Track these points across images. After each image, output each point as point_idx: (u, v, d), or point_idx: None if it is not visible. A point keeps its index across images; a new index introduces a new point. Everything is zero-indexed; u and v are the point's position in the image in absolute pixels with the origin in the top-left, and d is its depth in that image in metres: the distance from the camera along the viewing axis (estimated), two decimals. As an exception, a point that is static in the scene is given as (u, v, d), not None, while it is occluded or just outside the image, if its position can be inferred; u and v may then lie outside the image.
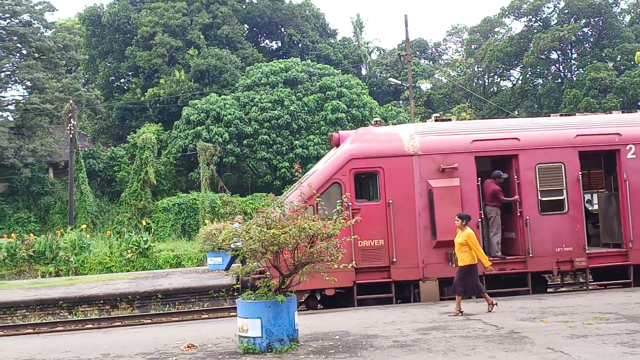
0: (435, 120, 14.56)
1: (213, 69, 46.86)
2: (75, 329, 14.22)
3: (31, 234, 29.51)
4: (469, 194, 12.51)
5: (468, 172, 12.78)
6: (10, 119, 41.83)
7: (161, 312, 16.79)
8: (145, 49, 48.12)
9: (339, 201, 9.47)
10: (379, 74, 59.82)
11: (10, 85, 41.66)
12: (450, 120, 14.89)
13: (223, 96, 42.37)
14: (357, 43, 61.30)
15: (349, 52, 56.99)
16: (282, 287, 8.64)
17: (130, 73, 51.40)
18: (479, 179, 12.92)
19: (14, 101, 42.75)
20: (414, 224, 12.51)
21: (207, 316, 14.96)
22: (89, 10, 51.46)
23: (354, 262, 11.81)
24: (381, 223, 12.54)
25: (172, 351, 8.54)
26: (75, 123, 36.41)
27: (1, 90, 41.25)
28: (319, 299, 13.44)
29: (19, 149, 37.82)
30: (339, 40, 59.70)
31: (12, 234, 29.46)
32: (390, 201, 12.52)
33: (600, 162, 14.83)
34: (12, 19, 40.72)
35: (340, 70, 45.46)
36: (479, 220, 12.67)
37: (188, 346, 8.77)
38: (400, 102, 55.04)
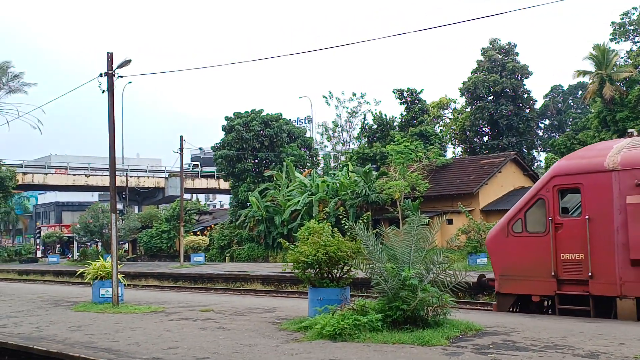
0: None
1: None
2: None
3: None
4: None
5: None
6: None
7: None
8: None
9: None
10: None
11: None
12: None
13: None
14: None
15: None
16: None
17: None
18: None
19: None
20: (612, 240, 11.97)
21: None
22: None
23: (553, 273, 12.59)
24: (582, 238, 12.41)
25: None
26: None
27: None
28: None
29: None
30: None
31: None
32: (588, 217, 12.33)
33: None
34: None
35: None
36: None
37: None
38: None
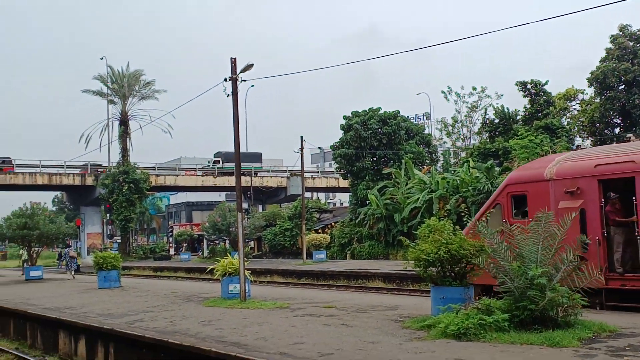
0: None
1: None
2: None
3: None
4: (592, 214, 13.31)
5: (592, 194, 13.52)
6: None
7: None
8: None
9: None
10: None
11: None
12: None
13: None
14: None
15: None
16: None
17: None
18: (603, 200, 13.42)
19: None
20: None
21: None
22: None
23: None
24: None
25: None
26: None
27: None
28: None
29: None
30: None
31: None
32: (532, 219, 12.37)
33: None
34: None
35: None
36: (597, 238, 13.26)
37: None
38: None
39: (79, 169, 65.01)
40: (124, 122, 63.32)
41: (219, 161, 70.05)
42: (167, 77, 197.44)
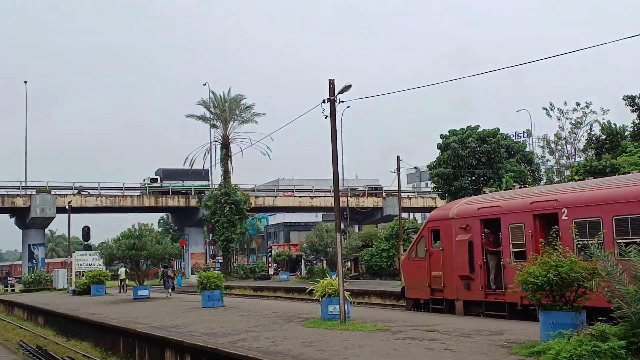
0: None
1: None
2: None
3: None
4: (477, 245, 18.15)
5: (476, 229, 18.43)
6: None
7: None
8: None
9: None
10: None
11: None
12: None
13: None
14: None
15: None
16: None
17: None
18: (483, 234, 18.44)
19: None
20: (452, 263, 18.93)
21: None
22: None
23: (428, 284, 19.93)
24: (440, 261, 19.40)
25: None
26: None
27: None
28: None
29: None
30: None
31: None
32: (442, 248, 19.43)
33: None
34: None
35: None
36: (479, 263, 18.14)
37: None
38: None
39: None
40: (225, 145, 65.13)
41: (157, 179, 66.59)
42: (265, 100, 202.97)
